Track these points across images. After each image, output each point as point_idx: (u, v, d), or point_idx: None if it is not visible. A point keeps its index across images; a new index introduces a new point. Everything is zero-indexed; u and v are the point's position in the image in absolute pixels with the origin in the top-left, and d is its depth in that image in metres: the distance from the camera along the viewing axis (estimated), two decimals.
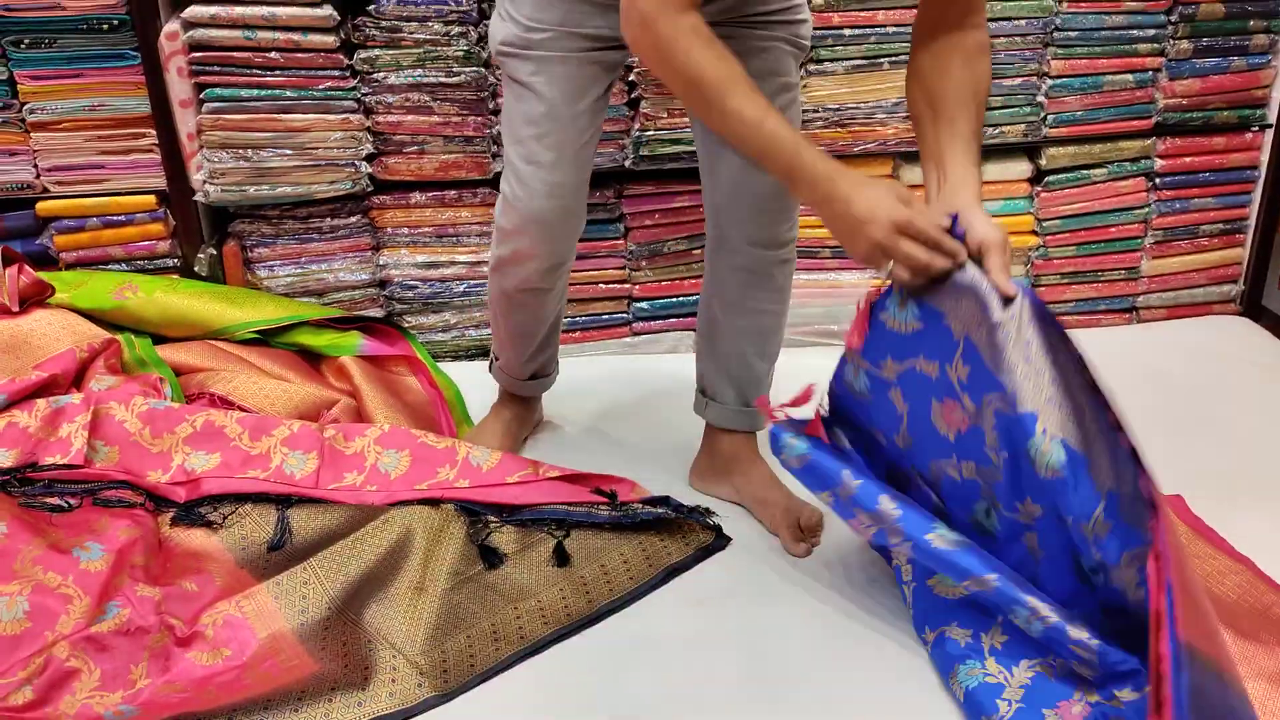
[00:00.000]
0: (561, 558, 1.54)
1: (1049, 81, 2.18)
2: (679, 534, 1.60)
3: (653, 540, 1.59)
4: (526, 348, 1.77)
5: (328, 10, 1.95)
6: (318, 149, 2.06)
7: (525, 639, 1.42)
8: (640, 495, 1.65)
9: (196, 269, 2.11)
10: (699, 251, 2.23)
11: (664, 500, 1.62)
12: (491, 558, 1.53)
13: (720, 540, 1.61)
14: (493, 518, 1.60)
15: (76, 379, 1.81)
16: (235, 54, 1.97)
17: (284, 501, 1.61)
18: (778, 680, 1.38)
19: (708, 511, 1.62)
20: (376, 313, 2.21)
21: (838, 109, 2.14)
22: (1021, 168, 2.24)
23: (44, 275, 1.97)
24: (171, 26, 1.96)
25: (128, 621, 1.35)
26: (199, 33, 1.95)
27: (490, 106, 2.09)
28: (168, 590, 1.43)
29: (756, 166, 1.32)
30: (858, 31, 2.10)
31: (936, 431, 1.35)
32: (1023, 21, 2.13)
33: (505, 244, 1.61)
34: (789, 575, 1.56)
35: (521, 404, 1.87)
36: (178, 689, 1.32)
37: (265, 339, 2.01)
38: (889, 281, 1.31)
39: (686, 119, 2.11)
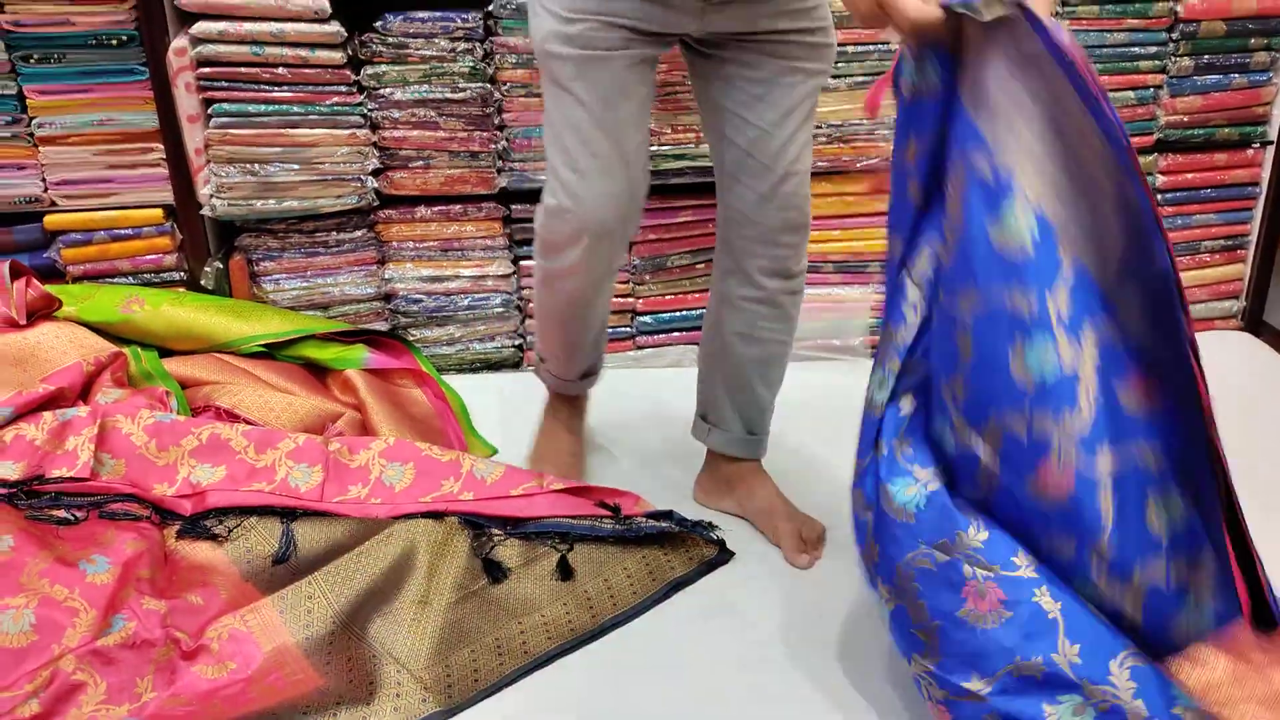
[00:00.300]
0: (565, 572, 1.55)
1: None
2: (682, 547, 1.61)
3: (656, 554, 1.59)
4: (578, 352, 1.75)
5: (335, 26, 1.97)
6: (324, 164, 2.07)
7: (529, 653, 1.43)
8: (644, 509, 1.65)
9: (203, 282, 2.12)
10: (702, 266, 2.24)
11: (667, 514, 1.63)
12: (495, 572, 1.54)
13: (724, 554, 1.62)
14: (497, 531, 1.61)
15: (83, 392, 1.81)
16: (243, 69, 1.99)
17: (289, 514, 1.61)
18: (782, 693, 1.38)
19: (711, 526, 1.63)
20: (381, 326, 2.22)
21: (840, 125, 2.16)
22: None
23: (51, 288, 1.98)
24: (180, 42, 1.98)
25: (134, 635, 1.36)
26: (207, 48, 1.97)
27: (496, 122, 2.10)
28: (173, 603, 1.44)
29: None
30: (861, 49, 2.12)
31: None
32: None
33: (554, 258, 1.56)
34: (792, 587, 1.57)
35: (572, 402, 1.85)
36: (183, 702, 1.32)
37: (271, 352, 2.01)
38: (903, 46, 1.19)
39: (690, 135, 2.12)
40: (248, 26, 1.95)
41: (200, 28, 1.95)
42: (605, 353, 1.84)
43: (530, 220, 2.18)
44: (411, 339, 2.21)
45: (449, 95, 2.07)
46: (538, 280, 1.65)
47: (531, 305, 2.26)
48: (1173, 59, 2.20)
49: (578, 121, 1.44)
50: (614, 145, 1.45)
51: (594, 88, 1.42)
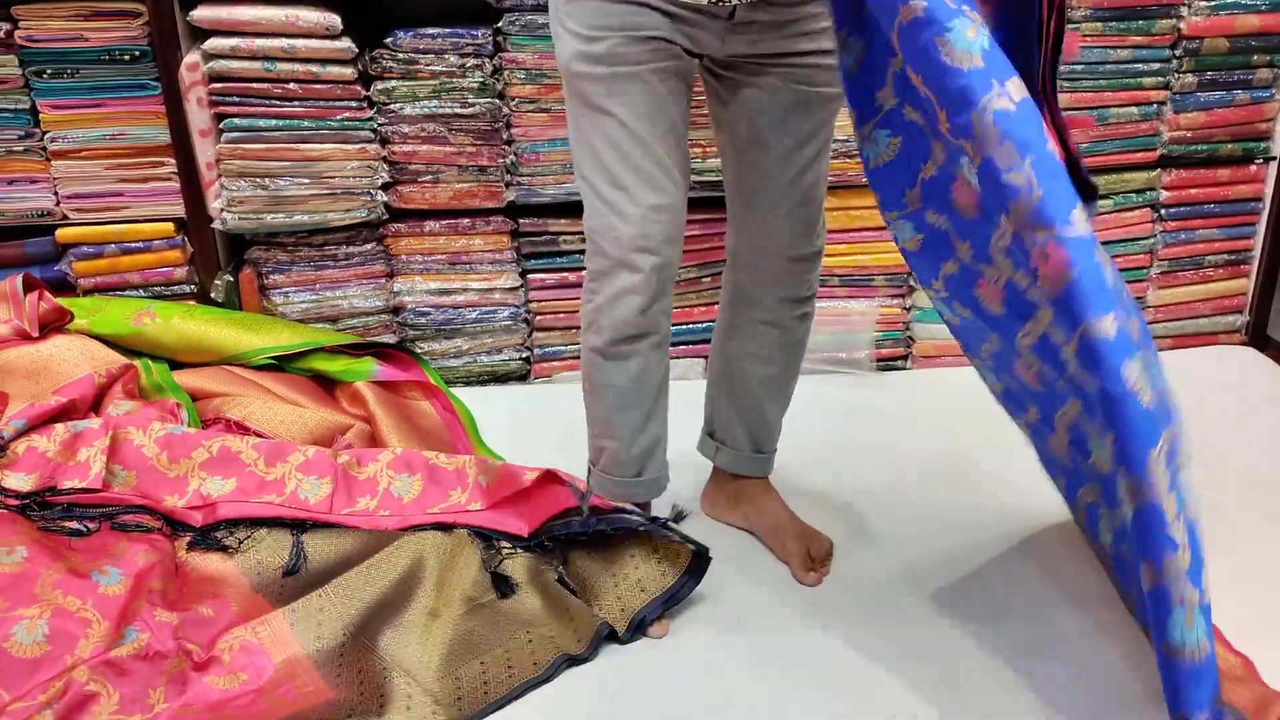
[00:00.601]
0: (568, 589, 1.53)
1: None
2: (673, 558, 1.56)
3: (649, 566, 1.56)
4: (631, 420, 1.57)
5: (346, 43, 1.99)
6: (334, 178, 2.09)
7: (538, 666, 1.43)
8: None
9: (213, 295, 2.14)
10: (709, 279, 2.26)
11: (629, 511, 1.55)
12: (504, 586, 1.54)
13: (701, 554, 1.52)
14: (506, 544, 1.61)
15: (95, 404, 1.83)
16: (254, 85, 2.01)
17: (299, 526, 1.62)
18: (787, 709, 1.39)
19: (671, 525, 1.54)
20: (390, 339, 2.23)
21: (846, 140, 2.17)
22: None
23: (63, 301, 2.00)
24: (192, 58, 2.00)
25: (146, 646, 1.37)
26: (219, 64, 1.99)
27: (504, 137, 2.12)
28: (185, 615, 1.45)
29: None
30: None
31: None
32: None
33: (600, 289, 1.48)
34: (798, 604, 1.57)
35: None
36: (194, 713, 1.33)
37: (280, 365, 2.03)
38: None
39: (696, 150, 2.14)
40: (259, 43, 1.97)
41: (212, 44, 1.97)
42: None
43: (537, 234, 2.21)
44: (419, 351, 2.22)
45: (458, 110, 2.08)
46: (585, 326, 1.53)
47: (539, 318, 2.27)
48: (1176, 75, 2.22)
49: (616, 139, 1.39)
50: (655, 159, 1.41)
51: (629, 104, 1.38)
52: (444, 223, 2.18)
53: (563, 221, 2.19)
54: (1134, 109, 2.23)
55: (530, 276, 2.24)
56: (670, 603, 1.52)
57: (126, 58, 2.01)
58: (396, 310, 2.24)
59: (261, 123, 2.04)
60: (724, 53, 1.42)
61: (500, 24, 2.04)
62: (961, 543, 1.70)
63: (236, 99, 2.02)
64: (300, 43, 1.98)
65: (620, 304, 1.48)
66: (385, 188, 2.13)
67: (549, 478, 1.62)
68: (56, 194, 2.09)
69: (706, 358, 1.81)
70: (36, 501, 1.59)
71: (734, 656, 1.47)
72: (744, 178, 1.51)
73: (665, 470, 1.66)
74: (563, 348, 2.28)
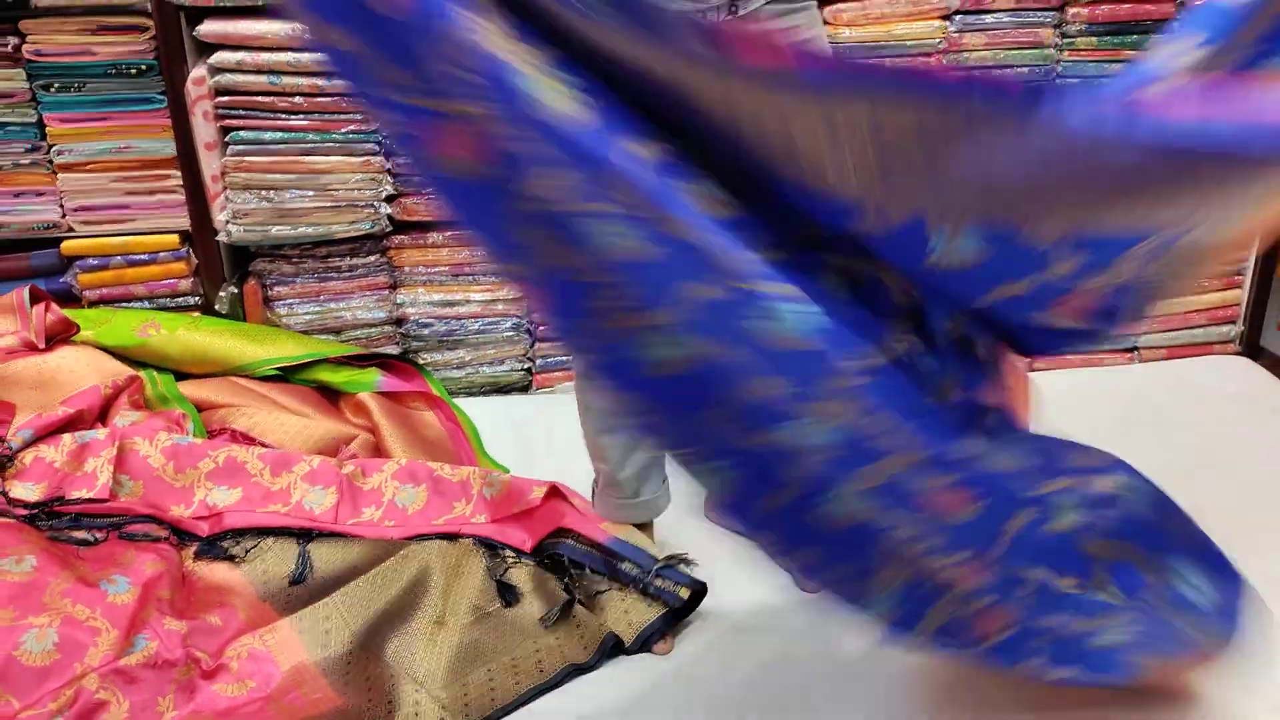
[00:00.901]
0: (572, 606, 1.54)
1: None
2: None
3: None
4: (617, 442, 1.57)
5: None
6: (338, 190, 2.10)
7: (545, 673, 1.45)
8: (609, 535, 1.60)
9: (217, 307, 2.15)
10: None
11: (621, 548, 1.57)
12: (509, 595, 1.55)
13: (697, 588, 1.56)
14: (510, 554, 1.62)
15: (101, 414, 1.84)
16: (260, 98, 2.03)
17: (305, 536, 1.63)
18: (789, 714, 1.40)
19: (685, 561, 1.57)
20: (393, 350, 2.25)
21: None
22: None
23: (68, 313, 2.02)
24: (198, 72, 2.02)
25: (155, 654, 1.38)
26: (225, 78, 2.01)
27: None
28: (193, 624, 1.46)
29: None
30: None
31: None
32: (1025, 69, 2.19)
33: None
34: (800, 610, 1.58)
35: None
36: (203, 719, 1.34)
37: (285, 376, 2.04)
38: None
39: None
40: (265, 56, 1.99)
41: (219, 58, 1.99)
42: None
43: None
44: (422, 363, 2.24)
45: None
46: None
47: (541, 329, 2.29)
48: None
49: None
50: None
51: None
52: (447, 234, 2.19)
53: None
54: None
55: None
56: (675, 619, 1.54)
57: (133, 71, 2.02)
58: (400, 321, 2.26)
59: (266, 135, 2.05)
60: None
61: None
62: None
63: (242, 112, 2.04)
64: (306, 56, 1.99)
65: None
66: (389, 200, 2.15)
67: (554, 493, 1.64)
68: (63, 206, 2.11)
69: None
70: (45, 511, 1.60)
71: (737, 663, 1.48)
72: None
73: (664, 490, 1.67)
74: (564, 359, 2.29)
